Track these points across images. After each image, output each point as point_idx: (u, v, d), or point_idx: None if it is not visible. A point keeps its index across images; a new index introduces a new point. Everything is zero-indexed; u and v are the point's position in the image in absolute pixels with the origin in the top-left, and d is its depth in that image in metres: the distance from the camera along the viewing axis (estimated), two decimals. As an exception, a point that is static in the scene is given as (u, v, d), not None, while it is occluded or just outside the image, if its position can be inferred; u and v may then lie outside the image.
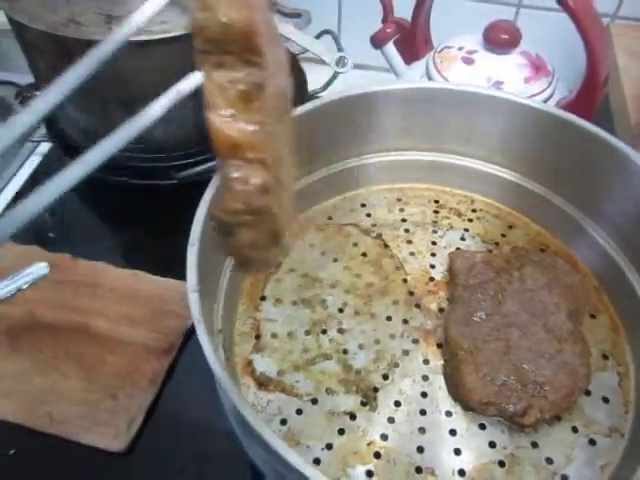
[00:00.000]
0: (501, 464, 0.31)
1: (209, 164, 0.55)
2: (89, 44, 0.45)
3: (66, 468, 0.42)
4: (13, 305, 0.50)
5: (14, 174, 0.63)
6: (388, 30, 0.57)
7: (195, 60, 0.20)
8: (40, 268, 0.52)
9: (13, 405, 0.44)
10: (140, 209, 0.59)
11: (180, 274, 0.54)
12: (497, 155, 0.44)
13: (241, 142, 0.18)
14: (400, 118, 0.42)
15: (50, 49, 0.46)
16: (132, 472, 0.42)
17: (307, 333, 0.37)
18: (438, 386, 0.35)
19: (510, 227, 0.43)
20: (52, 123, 0.59)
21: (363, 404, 0.34)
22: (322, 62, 0.71)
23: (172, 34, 0.45)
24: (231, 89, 0.18)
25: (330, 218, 0.44)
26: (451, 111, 0.42)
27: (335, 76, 0.64)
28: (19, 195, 0.61)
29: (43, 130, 0.68)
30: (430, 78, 0.53)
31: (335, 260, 0.41)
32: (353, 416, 0.33)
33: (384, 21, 0.58)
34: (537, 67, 0.51)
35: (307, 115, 0.39)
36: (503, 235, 0.43)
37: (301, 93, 0.63)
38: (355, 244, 0.42)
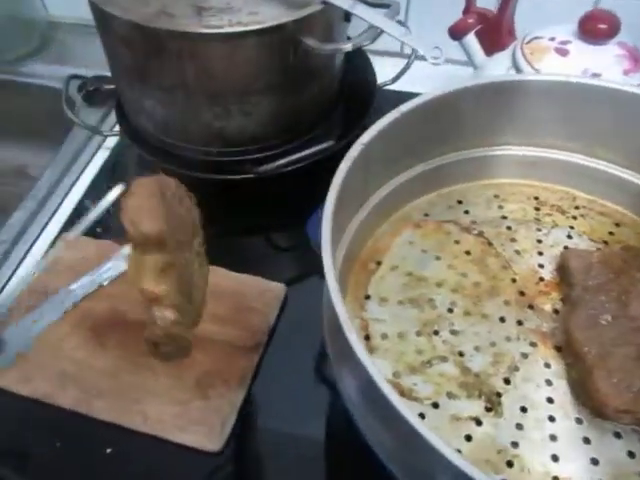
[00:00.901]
0: (642, 475, 0.30)
1: (289, 158, 0.54)
2: (182, 36, 0.45)
3: (162, 467, 0.41)
4: (96, 301, 0.50)
5: (84, 168, 0.63)
6: (470, 20, 0.56)
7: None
8: (119, 264, 0.52)
9: (107, 403, 0.43)
10: (214, 204, 0.58)
11: (255, 269, 0.53)
12: (601, 149, 0.42)
13: (160, 296, 0.30)
14: (505, 112, 0.40)
15: (140, 42, 0.45)
16: (228, 472, 0.41)
17: (418, 334, 0.36)
18: (563, 391, 0.33)
19: (617, 225, 0.42)
20: (124, 116, 0.59)
21: (488, 409, 0.32)
22: (399, 55, 0.71)
23: (265, 25, 0.44)
24: (152, 266, 0.29)
25: (427, 215, 0.42)
26: (554, 105, 0.40)
27: (407, 67, 0.63)
28: (90, 191, 0.60)
29: (112, 120, 0.67)
30: (518, 70, 0.51)
31: (438, 258, 0.40)
32: (479, 422, 0.32)
33: (466, 11, 0.56)
34: (636, 58, 0.49)
35: (406, 114, 0.37)
36: (611, 233, 0.41)
37: (371, 87, 0.62)
38: (456, 242, 0.40)
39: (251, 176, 0.54)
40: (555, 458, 0.31)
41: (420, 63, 0.62)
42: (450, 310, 0.37)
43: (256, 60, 0.47)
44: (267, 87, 0.50)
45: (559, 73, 0.38)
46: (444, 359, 0.34)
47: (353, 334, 0.25)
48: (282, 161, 0.53)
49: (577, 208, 0.43)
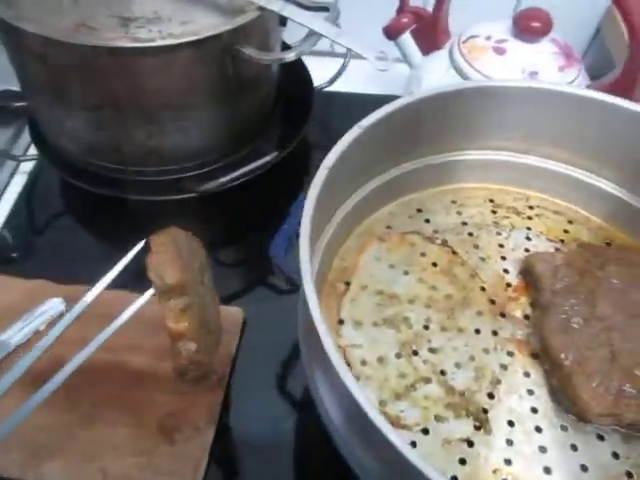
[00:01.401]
0: (629, 475, 0.31)
1: (231, 174, 0.51)
2: (108, 52, 0.40)
3: (132, 528, 0.38)
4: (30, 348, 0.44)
5: (-1, 196, 0.56)
6: (404, 20, 0.55)
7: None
8: (55, 304, 0.47)
9: (61, 465, 0.39)
10: (154, 227, 0.54)
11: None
12: (552, 149, 0.42)
13: (183, 332, 0.34)
14: (459, 119, 0.40)
15: (59, 59, 0.40)
16: (205, 522, 0.39)
17: (398, 356, 0.35)
18: (545, 400, 0.33)
19: (570, 222, 0.43)
20: (41, 138, 0.53)
21: (477, 428, 0.32)
22: (330, 54, 0.69)
23: (200, 36, 0.40)
24: (175, 308, 0.34)
25: (389, 227, 0.41)
26: (506, 108, 0.40)
27: (343, 68, 0.61)
28: (10, 221, 0.54)
29: (24, 142, 0.61)
30: (458, 70, 0.51)
31: (406, 273, 0.39)
32: (470, 443, 0.31)
33: (400, 10, 0.55)
34: (567, 54, 0.50)
35: (367, 128, 0.35)
36: (566, 231, 0.42)
37: (308, 91, 0.60)
38: (423, 254, 0.40)
39: (192, 195, 0.50)
40: (547, 470, 0.31)
41: (355, 61, 0.61)
42: (426, 327, 0.36)
43: (192, 74, 0.43)
44: (204, 101, 0.46)
45: (513, 78, 0.38)
46: (427, 380, 0.34)
47: (342, 366, 0.24)
48: (224, 178, 0.50)
49: (531, 208, 0.43)
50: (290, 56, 0.43)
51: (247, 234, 0.56)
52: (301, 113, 0.58)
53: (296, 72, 0.61)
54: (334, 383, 0.28)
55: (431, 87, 0.37)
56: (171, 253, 0.34)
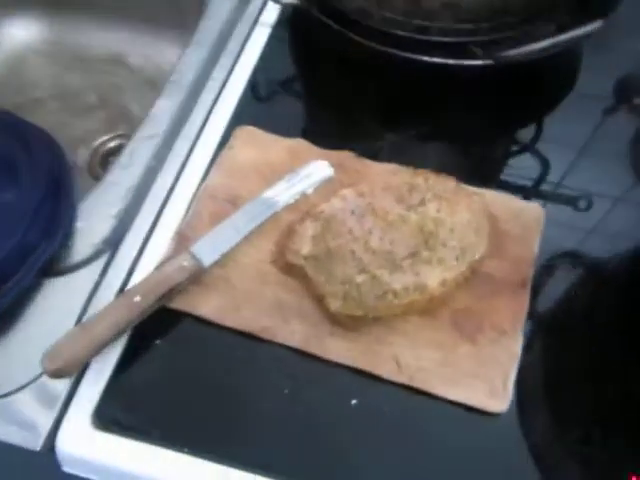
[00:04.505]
0: None
1: (543, 43, 0.41)
2: None
3: (421, 426, 0.32)
4: (296, 213, 0.38)
5: (241, 50, 0.49)
6: None
7: None
8: (322, 168, 0.41)
9: (345, 343, 0.34)
10: (429, 96, 0.46)
11: (493, 183, 0.41)
12: None
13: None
14: None
15: None
16: (511, 439, 0.32)
17: None
18: None
19: None
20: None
21: None
22: None
23: None
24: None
25: None
26: None
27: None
28: (257, 76, 0.48)
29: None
30: None
31: None
32: None
33: None
34: None
35: None
36: None
37: None
38: None
39: (488, 62, 0.41)
40: None
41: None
42: None
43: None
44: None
45: None
46: None
47: None
48: (538, 45, 0.40)
49: None
50: None
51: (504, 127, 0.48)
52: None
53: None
54: None
55: None
56: None
